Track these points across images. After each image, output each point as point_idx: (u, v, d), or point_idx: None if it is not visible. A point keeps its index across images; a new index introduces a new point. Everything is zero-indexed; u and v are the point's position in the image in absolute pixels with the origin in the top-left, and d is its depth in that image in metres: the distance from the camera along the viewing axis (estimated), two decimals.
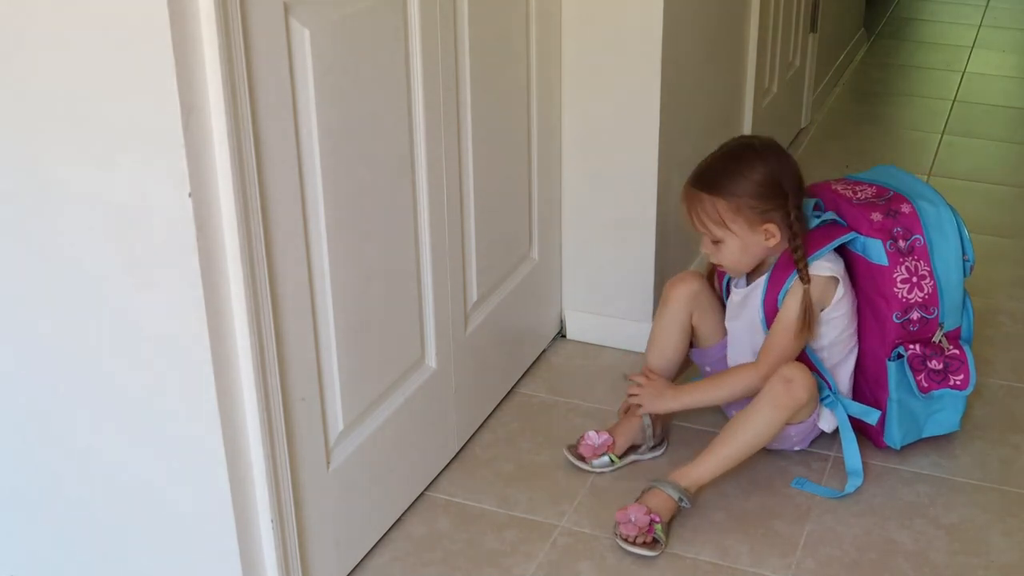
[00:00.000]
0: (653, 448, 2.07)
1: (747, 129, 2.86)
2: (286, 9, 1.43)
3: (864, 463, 2.01)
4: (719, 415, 2.13)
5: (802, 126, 3.58)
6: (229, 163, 1.35)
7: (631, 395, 2.04)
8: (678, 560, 1.84)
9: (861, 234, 1.97)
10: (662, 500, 1.88)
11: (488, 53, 1.95)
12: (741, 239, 1.92)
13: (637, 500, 1.89)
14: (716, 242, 1.93)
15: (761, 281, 1.98)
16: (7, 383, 1.54)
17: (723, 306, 2.10)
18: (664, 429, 2.10)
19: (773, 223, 1.91)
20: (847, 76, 4.16)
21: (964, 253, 2.01)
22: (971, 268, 2.04)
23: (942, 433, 2.09)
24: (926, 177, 3.26)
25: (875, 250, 1.96)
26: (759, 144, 1.97)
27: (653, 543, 1.84)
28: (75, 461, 1.56)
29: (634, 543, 1.84)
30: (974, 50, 4.47)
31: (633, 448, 2.06)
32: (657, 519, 1.86)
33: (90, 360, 1.47)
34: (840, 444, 2.04)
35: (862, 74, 4.22)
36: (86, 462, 1.55)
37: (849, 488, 1.98)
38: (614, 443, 2.04)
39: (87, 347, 1.46)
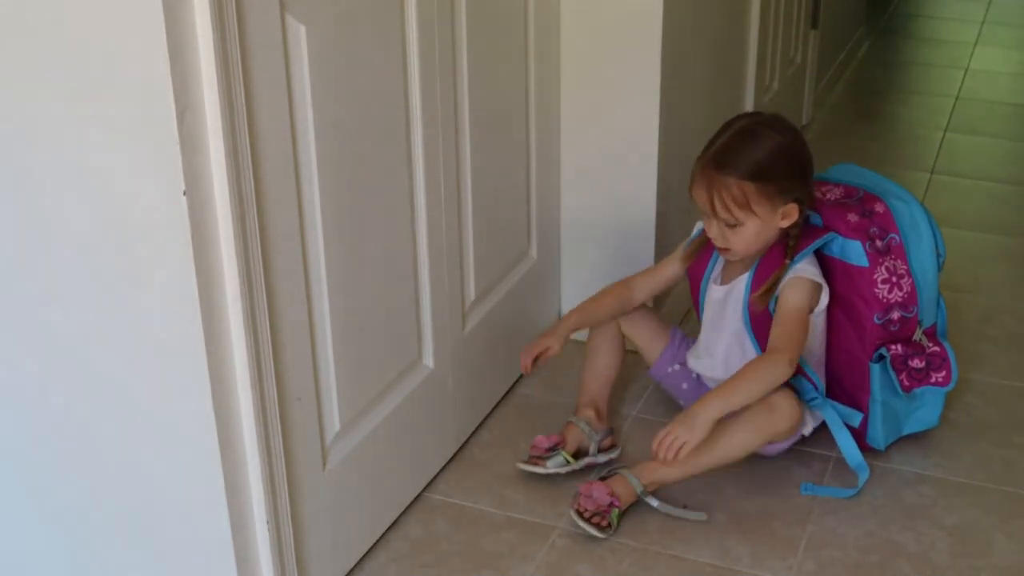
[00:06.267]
0: (606, 451, 2.03)
1: None
2: (282, 5, 1.42)
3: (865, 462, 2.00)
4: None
5: (803, 123, 3.57)
6: (224, 161, 1.34)
7: (665, 452, 1.80)
8: (678, 561, 1.83)
9: (840, 235, 1.94)
10: (625, 487, 1.88)
11: (486, 50, 1.93)
12: (761, 221, 1.86)
13: (602, 479, 1.89)
14: (733, 226, 1.87)
15: (743, 278, 1.95)
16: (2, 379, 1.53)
17: (651, 311, 2.09)
18: (611, 430, 2.07)
19: (793, 203, 1.88)
20: (849, 73, 4.14)
21: (936, 248, 2.01)
22: (943, 264, 2.03)
23: (921, 430, 2.09)
24: (928, 175, 3.25)
25: (854, 251, 1.94)
26: (772, 120, 1.92)
27: (606, 526, 1.85)
28: (68, 459, 1.54)
29: (587, 520, 1.84)
30: (977, 47, 4.45)
31: (583, 452, 2.02)
32: (617, 503, 1.86)
33: (84, 359, 1.46)
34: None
35: (864, 71, 4.21)
36: (79, 461, 1.54)
37: (861, 483, 1.97)
38: (564, 441, 2.00)
39: (81, 347, 1.45)
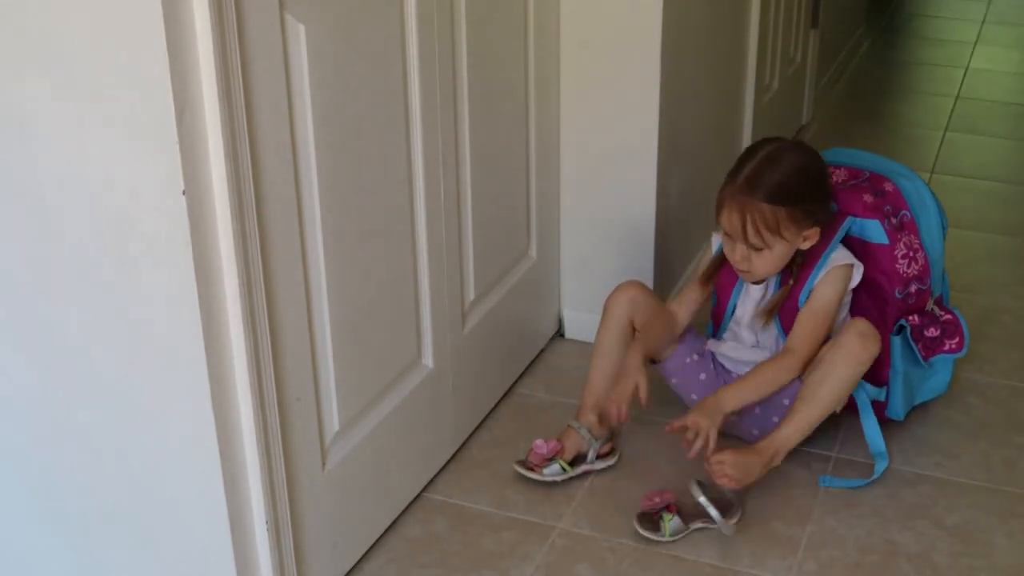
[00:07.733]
0: (604, 457, 2.02)
1: (748, 126, 2.85)
2: (282, 5, 1.41)
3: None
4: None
5: (803, 123, 3.56)
6: (223, 160, 1.33)
7: (689, 442, 1.88)
8: (678, 561, 1.83)
9: (857, 216, 1.98)
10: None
11: (486, 49, 1.93)
12: (789, 244, 1.89)
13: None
14: (759, 250, 1.88)
15: (771, 281, 1.97)
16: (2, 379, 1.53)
17: (665, 308, 2.07)
18: (611, 435, 2.05)
19: (818, 225, 1.90)
20: (849, 72, 4.14)
21: (941, 221, 2.08)
22: (946, 233, 2.10)
23: (932, 397, 2.14)
24: (929, 175, 3.25)
25: (874, 230, 1.98)
26: (796, 145, 1.95)
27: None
28: (68, 459, 1.54)
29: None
30: (977, 46, 4.45)
31: (581, 457, 2.01)
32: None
33: (84, 359, 1.46)
34: (840, 443, 2.05)
35: (864, 70, 4.21)
36: (79, 461, 1.53)
37: (878, 470, 1.98)
38: (563, 449, 1.99)
39: (79, 346, 1.45)
